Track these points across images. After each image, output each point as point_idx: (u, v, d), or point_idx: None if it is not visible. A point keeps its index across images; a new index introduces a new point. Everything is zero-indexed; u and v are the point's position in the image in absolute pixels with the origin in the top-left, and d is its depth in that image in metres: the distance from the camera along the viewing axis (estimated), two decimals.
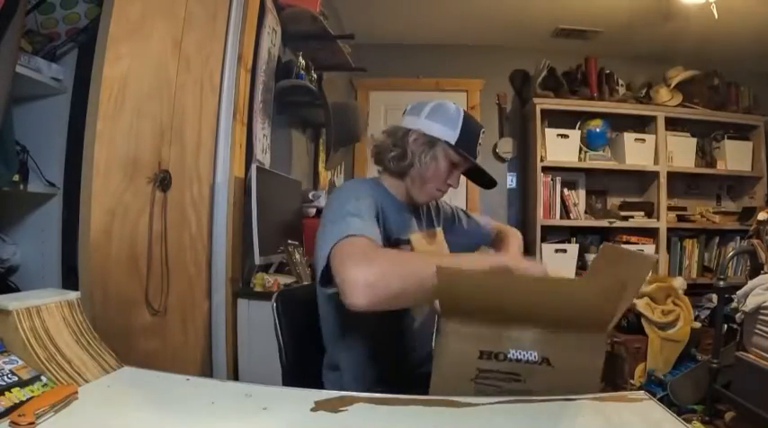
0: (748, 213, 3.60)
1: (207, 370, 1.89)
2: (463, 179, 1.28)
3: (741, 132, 3.83)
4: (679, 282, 3.16)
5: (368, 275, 0.79)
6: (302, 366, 1.22)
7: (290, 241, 2.12)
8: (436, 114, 1.19)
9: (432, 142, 1.18)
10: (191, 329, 1.83)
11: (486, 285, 0.78)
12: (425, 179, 1.20)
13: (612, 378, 2.95)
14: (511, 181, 4.04)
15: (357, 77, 3.96)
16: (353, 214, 0.96)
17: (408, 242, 1.19)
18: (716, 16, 2.84)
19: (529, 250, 3.66)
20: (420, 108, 1.21)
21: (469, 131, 1.20)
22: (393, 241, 1.15)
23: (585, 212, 3.75)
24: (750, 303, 2.08)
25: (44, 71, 1.41)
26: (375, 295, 0.79)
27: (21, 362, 0.74)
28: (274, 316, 1.20)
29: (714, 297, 2.90)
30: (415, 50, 3.99)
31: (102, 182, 1.40)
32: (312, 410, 0.72)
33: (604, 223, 3.62)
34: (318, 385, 1.22)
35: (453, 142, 1.18)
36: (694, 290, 3.32)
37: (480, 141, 1.23)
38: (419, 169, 1.19)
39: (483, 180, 1.32)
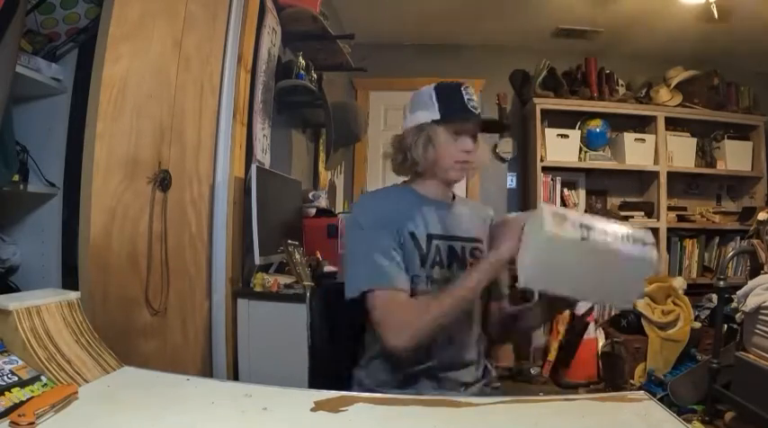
0: (748, 213, 3.60)
1: (207, 370, 1.89)
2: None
3: (741, 132, 3.82)
4: (679, 282, 3.17)
5: (404, 339, 1.08)
6: (331, 363, 1.25)
7: (290, 241, 2.11)
8: (414, 105, 1.26)
9: (419, 129, 1.22)
10: (191, 329, 1.82)
11: None
12: (437, 162, 1.21)
13: (612, 378, 2.96)
14: (511, 181, 4.03)
15: (357, 77, 3.96)
16: (380, 253, 1.12)
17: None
18: (716, 16, 2.84)
19: None
20: (404, 110, 1.29)
21: (447, 97, 1.21)
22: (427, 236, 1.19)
23: (585, 212, 3.75)
24: (750, 303, 2.08)
25: (44, 71, 1.42)
26: (412, 341, 1.08)
27: (21, 362, 0.74)
28: (307, 311, 1.25)
29: (714, 297, 2.90)
30: (415, 50, 3.99)
31: (102, 182, 1.40)
32: (312, 410, 0.72)
33: None
34: (343, 384, 1.22)
35: (438, 118, 1.20)
36: (694, 290, 3.32)
37: (467, 95, 1.21)
38: (425, 160, 1.21)
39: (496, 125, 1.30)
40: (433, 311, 1.08)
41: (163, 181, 1.63)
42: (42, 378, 0.73)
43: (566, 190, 3.68)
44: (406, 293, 1.12)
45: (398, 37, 3.89)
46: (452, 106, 1.21)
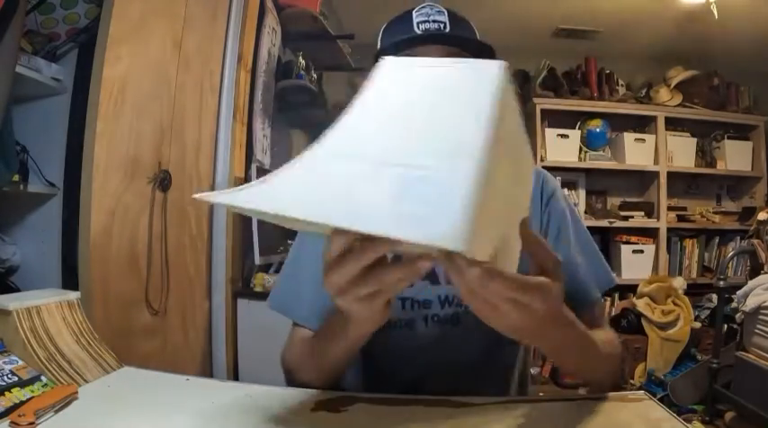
0: (748, 213, 3.60)
1: (207, 370, 1.89)
2: None
3: (741, 132, 3.82)
4: (679, 282, 3.17)
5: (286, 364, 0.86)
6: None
7: (290, 241, 2.11)
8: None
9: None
10: (191, 329, 1.83)
11: None
12: None
13: None
14: None
15: (357, 77, 3.96)
16: (297, 283, 0.88)
17: None
18: (716, 16, 2.84)
19: None
20: None
21: (391, 27, 0.89)
22: None
23: (585, 212, 3.75)
24: (750, 303, 2.08)
25: (44, 71, 1.42)
26: (288, 375, 0.85)
27: (21, 362, 0.74)
28: None
29: (714, 297, 2.90)
30: None
31: (102, 182, 1.40)
32: (312, 410, 0.72)
33: (604, 223, 3.61)
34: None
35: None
36: (694, 290, 3.32)
37: (419, 17, 0.85)
38: None
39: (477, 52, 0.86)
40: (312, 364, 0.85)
41: (163, 181, 1.63)
42: (42, 378, 0.73)
43: (566, 190, 3.68)
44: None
45: None
46: (393, 34, 0.86)
